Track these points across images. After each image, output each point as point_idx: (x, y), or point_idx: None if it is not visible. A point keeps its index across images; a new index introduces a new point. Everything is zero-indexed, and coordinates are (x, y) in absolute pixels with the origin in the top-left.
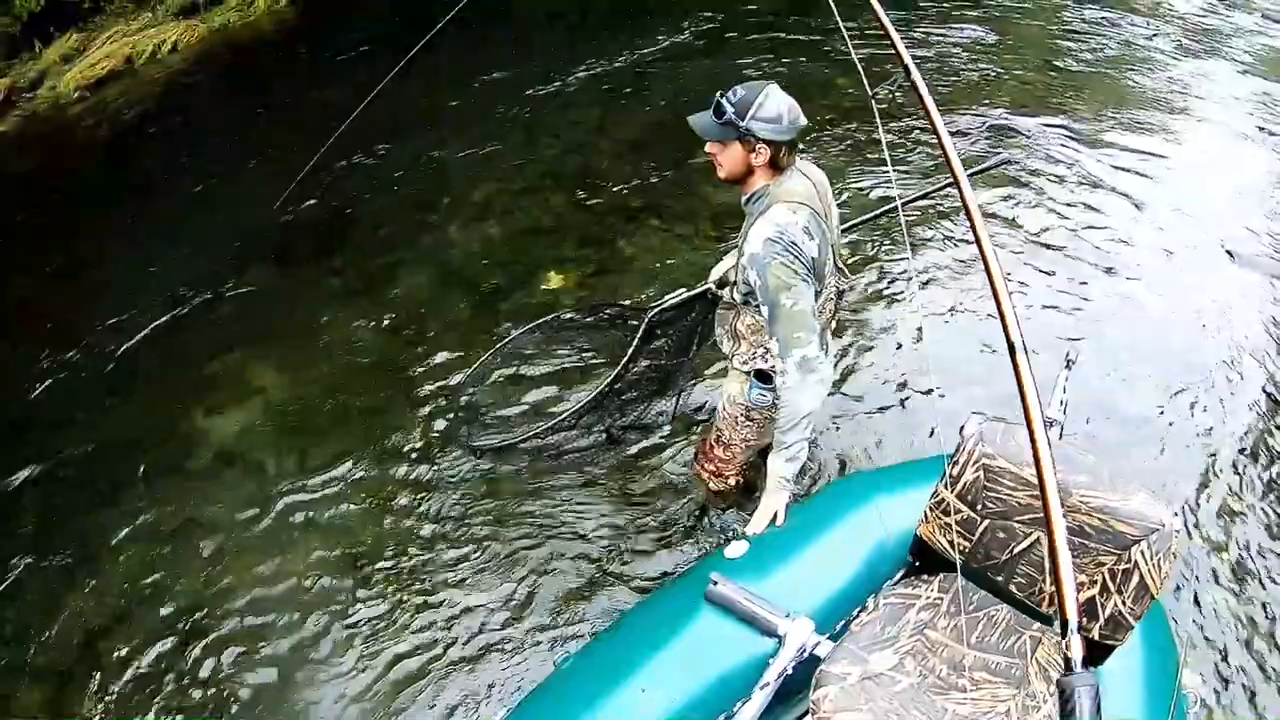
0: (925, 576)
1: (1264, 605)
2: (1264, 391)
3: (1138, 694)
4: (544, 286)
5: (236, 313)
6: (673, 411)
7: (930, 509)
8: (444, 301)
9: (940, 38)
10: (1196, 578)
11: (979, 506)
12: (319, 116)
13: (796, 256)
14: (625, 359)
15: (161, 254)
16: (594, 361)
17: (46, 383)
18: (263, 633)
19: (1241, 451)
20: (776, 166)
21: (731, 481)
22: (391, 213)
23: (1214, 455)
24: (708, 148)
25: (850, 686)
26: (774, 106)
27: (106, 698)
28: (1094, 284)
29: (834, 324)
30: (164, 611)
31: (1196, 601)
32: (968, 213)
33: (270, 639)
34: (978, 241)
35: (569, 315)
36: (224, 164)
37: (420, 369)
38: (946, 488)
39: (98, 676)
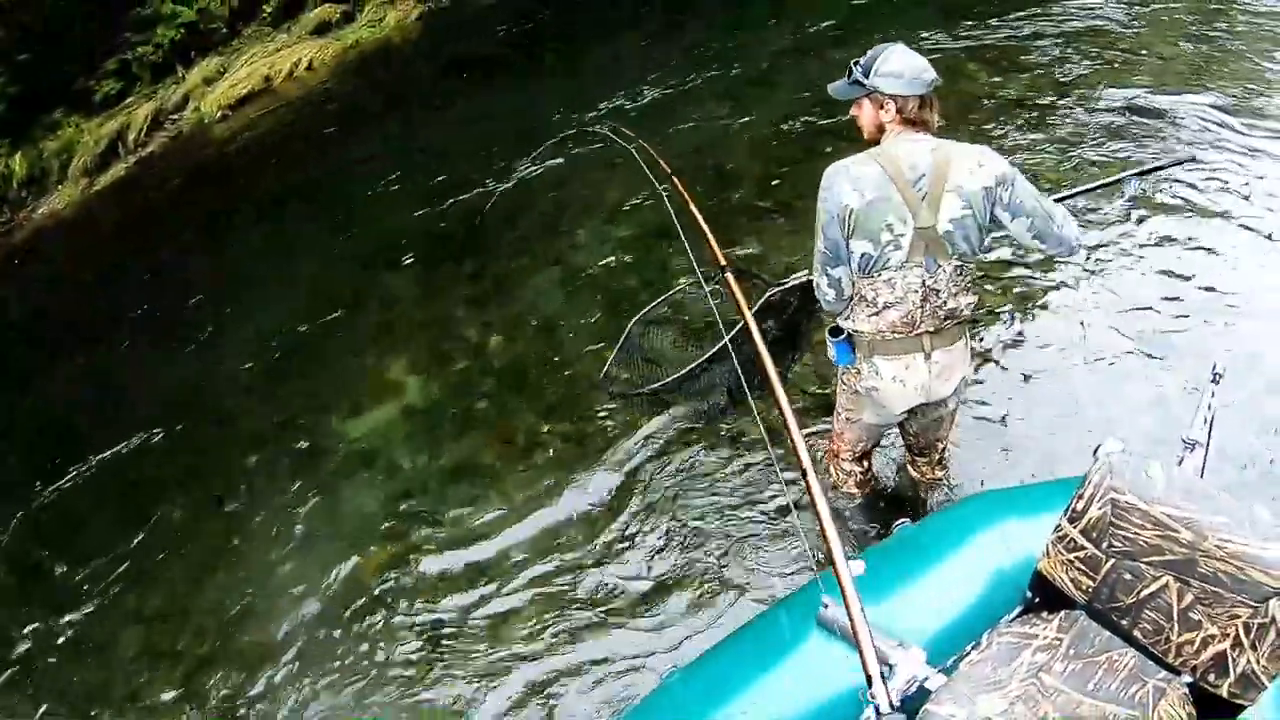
0: (1045, 614)
1: None
2: None
3: None
4: (674, 286)
5: (373, 316)
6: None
7: (1052, 543)
8: (575, 305)
9: (1079, 10)
10: None
11: (1104, 544)
12: (448, 128)
13: (825, 200)
14: (736, 329)
15: (301, 261)
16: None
17: (193, 381)
18: (381, 625)
19: None
20: (910, 122)
21: (846, 467)
22: (522, 220)
23: None
24: (851, 110)
25: None
26: (896, 62)
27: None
28: (1245, 285)
29: (938, 324)
30: (295, 600)
31: None
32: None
33: (391, 633)
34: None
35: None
36: (360, 176)
37: (551, 374)
38: (1070, 522)
39: (231, 666)
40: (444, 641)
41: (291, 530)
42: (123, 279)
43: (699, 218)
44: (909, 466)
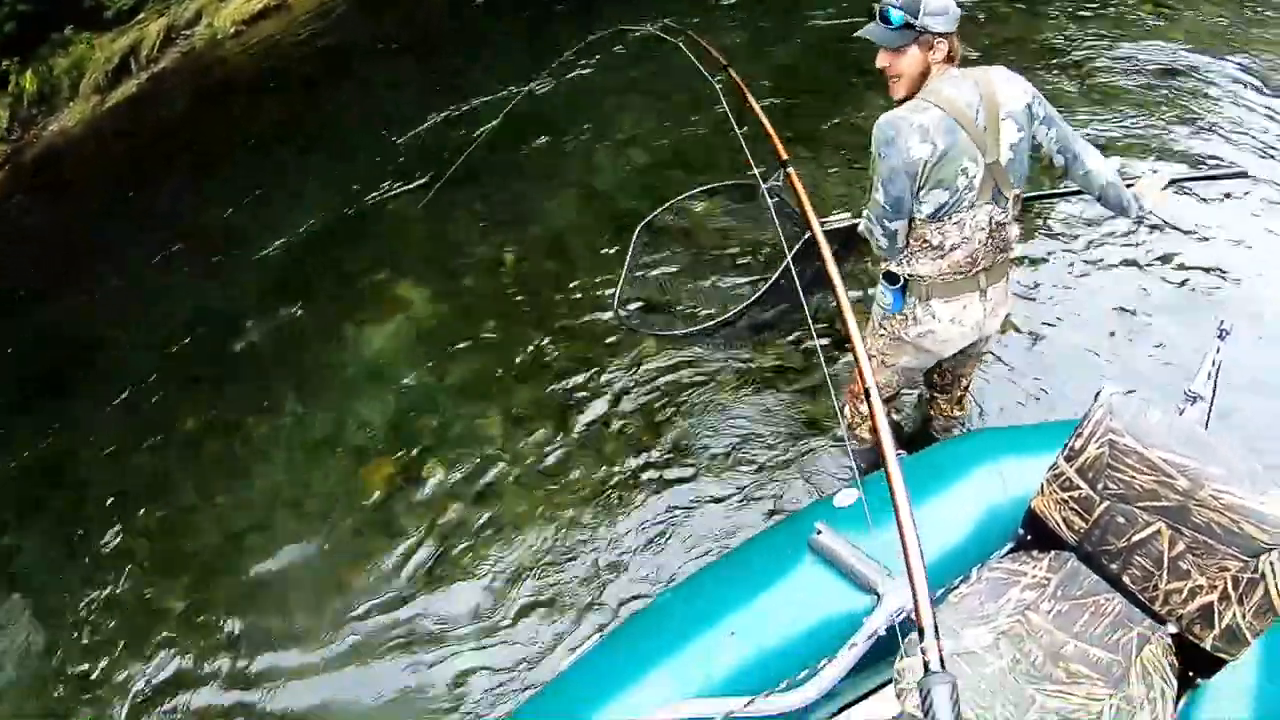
0: (1036, 553)
1: None
2: None
3: (1251, 715)
4: (689, 216)
5: (385, 232)
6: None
7: (1047, 481)
8: (585, 228)
9: None
10: None
11: (1099, 486)
12: (472, 52)
13: (889, 156)
14: (785, 266)
15: (313, 178)
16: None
17: (199, 300)
18: (386, 536)
19: None
20: (950, 59)
21: (865, 409)
22: (538, 140)
23: None
24: (880, 62)
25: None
26: None
27: (253, 596)
28: (1263, 243)
29: (994, 259)
30: (307, 520)
31: None
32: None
33: (396, 543)
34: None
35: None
36: (373, 94)
37: (559, 294)
38: (1066, 460)
39: (238, 575)
40: (447, 555)
41: (299, 445)
42: (132, 199)
43: (758, 110)
44: (929, 405)
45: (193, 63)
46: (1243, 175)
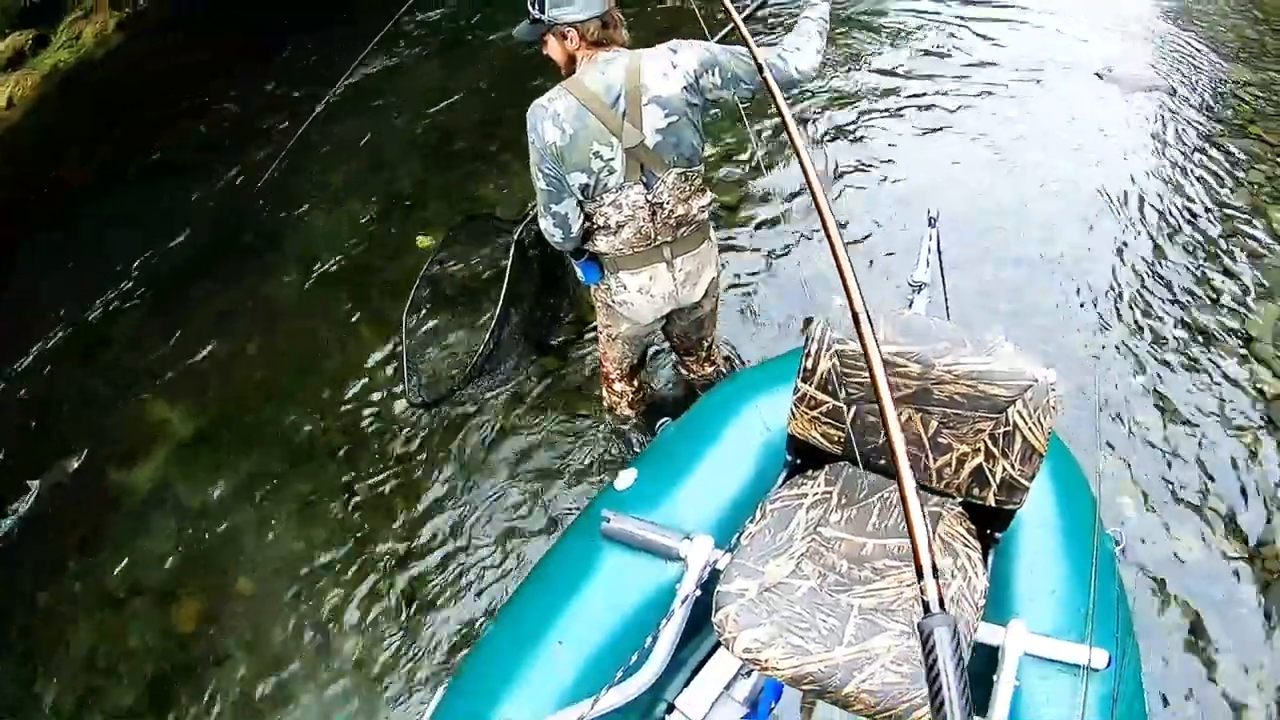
0: (811, 472)
1: (1173, 433)
2: (1139, 209)
3: (1055, 547)
4: (418, 248)
5: (118, 360)
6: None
7: (795, 404)
8: (321, 296)
9: None
10: (1115, 417)
11: (842, 395)
12: (177, 133)
13: (533, 141)
14: (507, 279)
15: (36, 314)
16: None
17: None
18: (225, 666)
19: (1125, 279)
20: (597, 44)
21: (618, 388)
22: (252, 222)
23: (1099, 287)
24: (542, 50)
25: (749, 602)
26: None
27: None
28: (953, 127)
29: (674, 234)
30: (132, 676)
31: (1110, 443)
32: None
33: (234, 670)
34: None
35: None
36: (81, 208)
37: (310, 369)
38: (804, 381)
39: None
40: (280, 666)
41: (102, 603)
42: None
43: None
44: (680, 369)
45: None
46: None
